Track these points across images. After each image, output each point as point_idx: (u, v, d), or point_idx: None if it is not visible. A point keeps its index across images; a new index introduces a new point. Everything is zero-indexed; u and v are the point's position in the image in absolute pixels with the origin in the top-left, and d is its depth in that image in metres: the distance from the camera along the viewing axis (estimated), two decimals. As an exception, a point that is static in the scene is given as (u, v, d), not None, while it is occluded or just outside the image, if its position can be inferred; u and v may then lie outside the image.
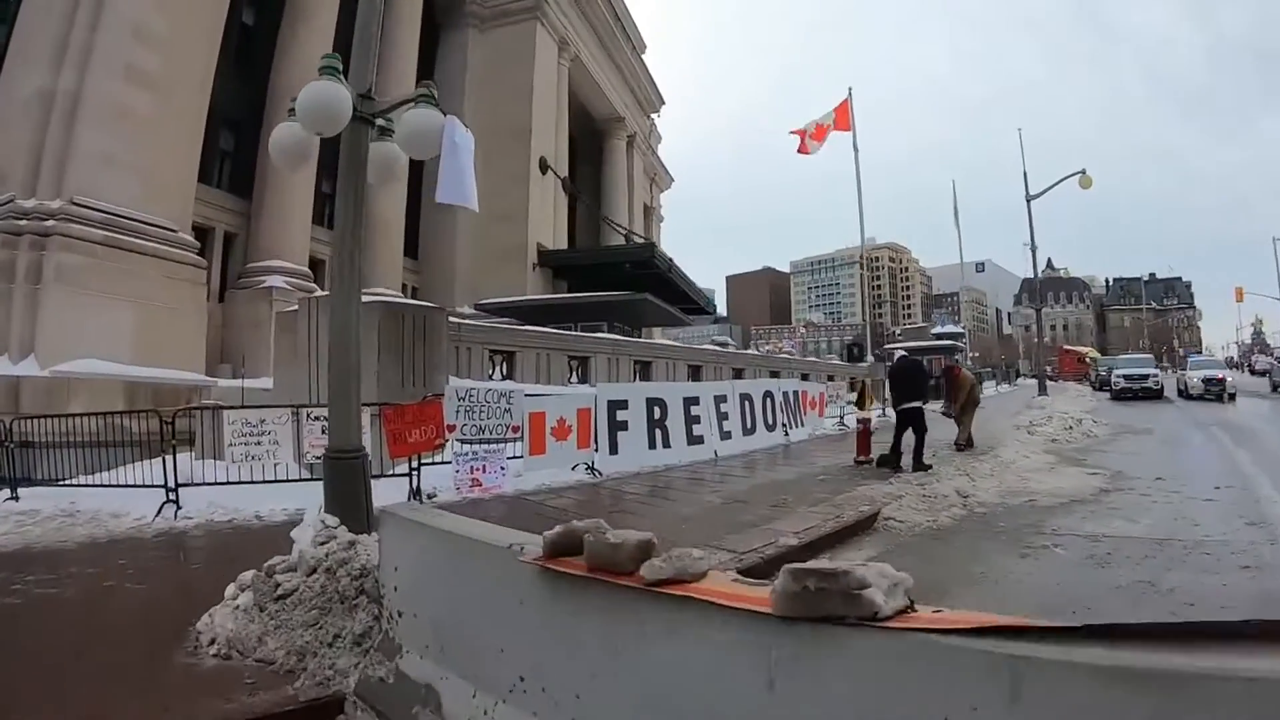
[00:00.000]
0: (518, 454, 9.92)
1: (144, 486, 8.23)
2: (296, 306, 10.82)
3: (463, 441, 9.25)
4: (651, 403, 12.31)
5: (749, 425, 15.09)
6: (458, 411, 9.19)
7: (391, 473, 8.51)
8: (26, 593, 5.35)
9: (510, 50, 30.24)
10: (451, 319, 11.74)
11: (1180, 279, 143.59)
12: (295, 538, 5.26)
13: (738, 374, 20.31)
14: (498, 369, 12.92)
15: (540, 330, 14.39)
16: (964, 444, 13.46)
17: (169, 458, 8.07)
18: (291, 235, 21.28)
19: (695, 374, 18.94)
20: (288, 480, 8.24)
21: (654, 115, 49.87)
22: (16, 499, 8.79)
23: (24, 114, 14.87)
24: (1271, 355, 58.13)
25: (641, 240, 33.31)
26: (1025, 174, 33.02)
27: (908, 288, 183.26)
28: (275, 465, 8.13)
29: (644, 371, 17.12)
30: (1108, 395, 31.72)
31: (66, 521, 7.77)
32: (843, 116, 28.40)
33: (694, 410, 13.29)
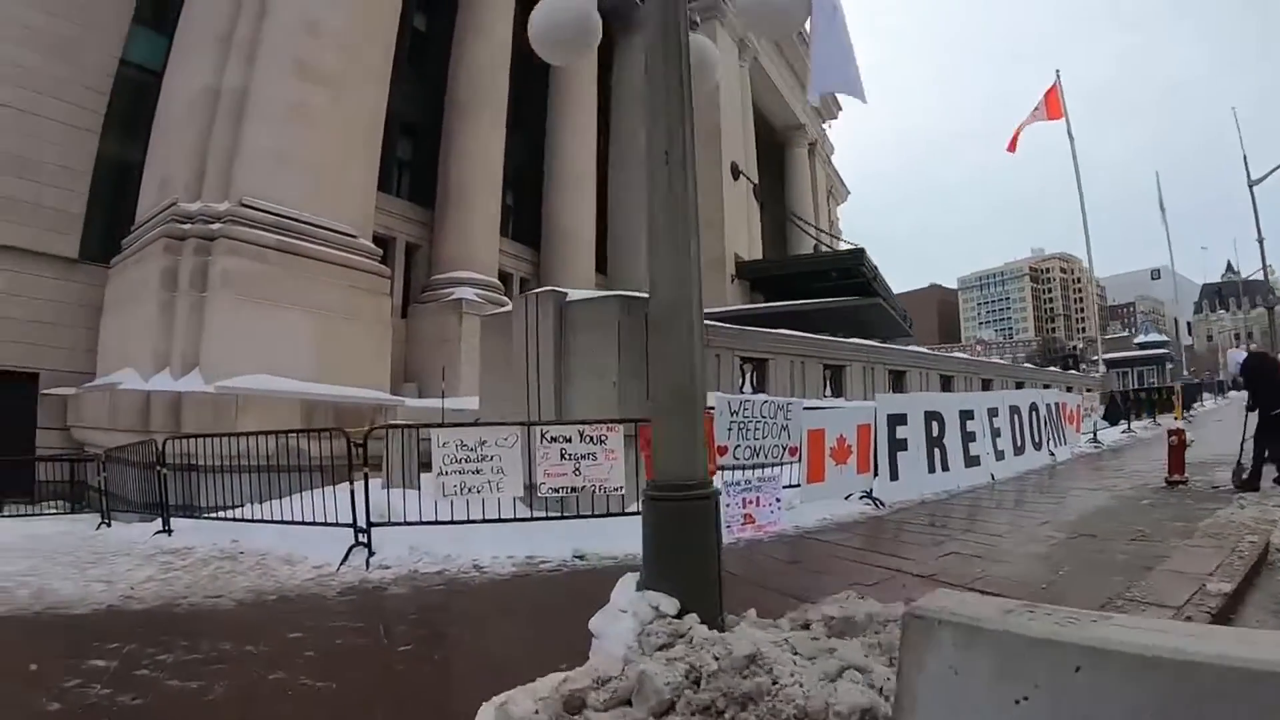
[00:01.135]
0: (791, 481, 7.53)
1: (325, 524, 6.36)
2: (509, 307, 8.89)
3: (734, 467, 6.91)
4: (929, 418, 9.89)
5: (1019, 443, 12.26)
6: (730, 429, 6.87)
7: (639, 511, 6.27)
8: (148, 685, 3.46)
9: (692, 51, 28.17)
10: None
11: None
12: (598, 631, 3.28)
13: (986, 385, 17.23)
14: (748, 379, 10.58)
15: (796, 334, 11.97)
16: None
17: (357, 486, 6.13)
18: (478, 245, 19.74)
19: (947, 384, 16.03)
20: (509, 519, 6.15)
21: (829, 122, 46.77)
22: (169, 532, 7.17)
23: (187, 116, 13.74)
24: None
25: (850, 246, 29.98)
26: (1245, 157, 27.70)
27: (1080, 299, 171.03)
28: (499, 499, 6.04)
29: (897, 382, 14.40)
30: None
31: (225, 566, 6.08)
32: (1054, 104, 24.68)
33: (970, 426, 10.71)
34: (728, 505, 6.59)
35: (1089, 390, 22.49)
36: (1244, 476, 8.90)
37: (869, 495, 8.56)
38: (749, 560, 6.00)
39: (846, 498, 8.46)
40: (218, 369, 12.15)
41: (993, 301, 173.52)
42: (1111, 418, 17.88)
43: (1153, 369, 48.04)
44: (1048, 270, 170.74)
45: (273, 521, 6.91)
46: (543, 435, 6.05)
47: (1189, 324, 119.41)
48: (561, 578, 5.52)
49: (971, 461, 10.58)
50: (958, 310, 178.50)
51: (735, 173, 28.41)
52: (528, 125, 23.60)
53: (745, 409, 7.12)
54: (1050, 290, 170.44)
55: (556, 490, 5.96)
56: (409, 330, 18.51)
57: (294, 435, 7.58)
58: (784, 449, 7.46)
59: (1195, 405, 26.77)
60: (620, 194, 26.19)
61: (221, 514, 7.50)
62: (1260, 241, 27.09)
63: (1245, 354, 10.37)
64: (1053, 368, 31.14)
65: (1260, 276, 41.84)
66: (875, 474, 8.78)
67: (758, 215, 31.75)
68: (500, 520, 6.12)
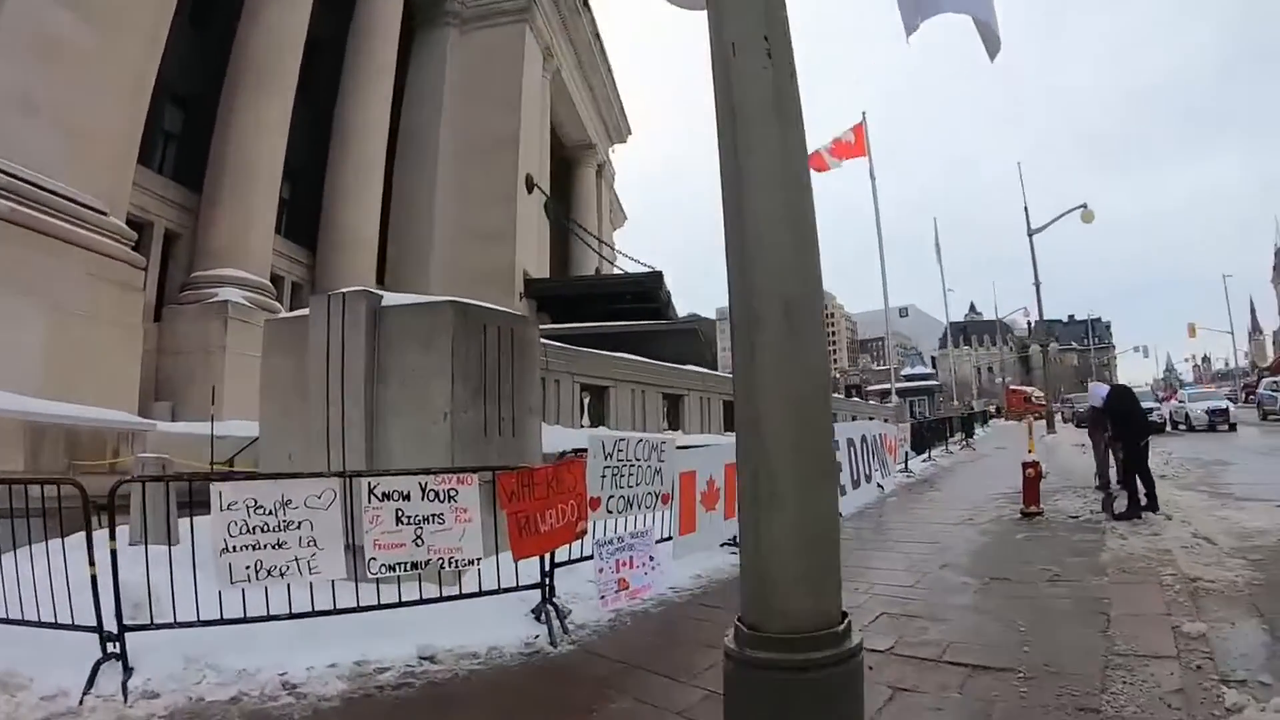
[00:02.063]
0: (663, 534, 6.48)
1: (56, 626, 4.19)
2: (304, 312, 6.91)
3: (607, 517, 5.74)
4: None
5: (855, 476, 12.06)
6: (603, 477, 5.65)
7: (501, 588, 4.87)
8: None
9: (496, 54, 26.50)
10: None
11: (1100, 319, 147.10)
12: None
13: None
14: (586, 410, 9.30)
15: (636, 359, 10.80)
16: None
17: (103, 560, 4.21)
18: (253, 240, 16.80)
19: None
20: (328, 612, 4.53)
21: (616, 146, 46.39)
22: None
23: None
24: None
25: (648, 269, 29.22)
26: (1026, 208, 30.89)
27: (833, 333, 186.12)
28: (312, 578, 4.40)
29: (730, 414, 13.79)
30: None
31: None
32: (858, 142, 25.88)
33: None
34: (601, 570, 5.42)
35: (886, 420, 23.54)
36: (1117, 507, 9.02)
37: (733, 542, 7.70)
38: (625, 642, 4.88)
39: (721, 545, 7.57)
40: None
41: None
42: (917, 447, 18.56)
43: (923, 399, 52.32)
44: None
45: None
46: (370, 491, 4.51)
47: (933, 358, 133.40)
48: (414, 695, 4.00)
49: (868, 479, 10.18)
50: (714, 342, 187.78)
51: (530, 185, 27.09)
52: (315, 112, 21.17)
53: (620, 451, 5.93)
54: None
55: (391, 568, 4.44)
56: (162, 336, 15.43)
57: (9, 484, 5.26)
58: (657, 496, 6.35)
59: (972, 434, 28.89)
60: (409, 197, 24.33)
61: None
62: (1036, 285, 30.01)
63: (1108, 388, 10.70)
64: (837, 395, 32.68)
65: (1014, 316, 46.96)
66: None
67: (548, 232, 30.68)
68: (316, 614, 4.49)
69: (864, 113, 25.92)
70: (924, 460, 18.91)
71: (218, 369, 14.31)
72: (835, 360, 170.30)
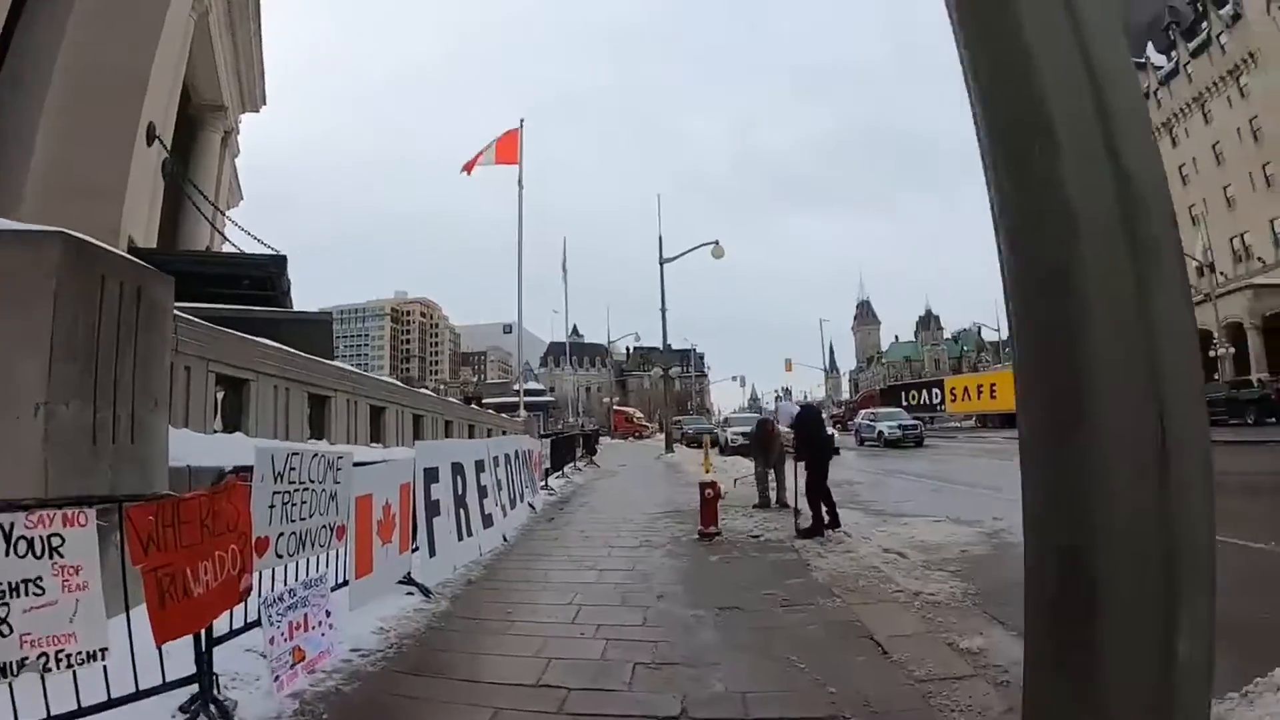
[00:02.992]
0: (338, 578, 5.10)
1: None
2: None
3: (276, 563, 4.23)
4: (455, 471, 8.28)
5: (512, 495, 11.44)
6: (272, 509, 4.15)
7: (140, 690, 3.20)
8: None
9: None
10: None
11: (694, 349, 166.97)
12: None
13: (447, 427, 15.95)
14: (219, 411, 7.17)
15: (287, 351, 8.66)
16: (780, 502, 12.06)
17: None
18: None
19: (418, 426, 14.15)
20: None
21: (247, 115, 40.58)
22: None
23: None
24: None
25: (272, 252, 25.11)
26: (660, 238, 33.60)
27: (436, 344, 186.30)
28: None
29: (376, 420, 11.97)
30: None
31: None
32: (510, 149, 25.64)
33: (483, 480, 9.38)
34: (273, 640, 3.97)
35: (517, 434, 23.38)
36: (804, 526, 9.26)
37: (411, 580, 6.48)
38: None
39: (399, 583, 6.30)
40: None
41: (352, 336, 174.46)
42: (554, 464, 18.52)
43: (539, 415, 53.73)
44: (408, 313, 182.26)
45: None
46: None
47: (536, 374, 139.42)
48: None
49: (487, 521, 9.27)
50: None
51: (151, 137, 22.44)
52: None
53: (293, 470, 4.47)
54: (409, 332, 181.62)
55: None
56: None
57: None
58: (331, 530, 4.98)
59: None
60: (6, 135, 18.58)
61: None
62: (663, 311, 32.25)
63: (798, 407, 11.14)
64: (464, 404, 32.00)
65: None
66: (416, 549, 6.78)
67: (161, 197, 25.69)
68: None
69: (521, 120, 25.72)
70: (558, 478, 18.97)
71: None
72: (435, 372, 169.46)
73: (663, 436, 55.11)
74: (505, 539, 9.59)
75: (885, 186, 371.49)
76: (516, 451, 12.48)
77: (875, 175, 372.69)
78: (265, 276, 21.64)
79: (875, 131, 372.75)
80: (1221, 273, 43.24)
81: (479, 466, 9.23)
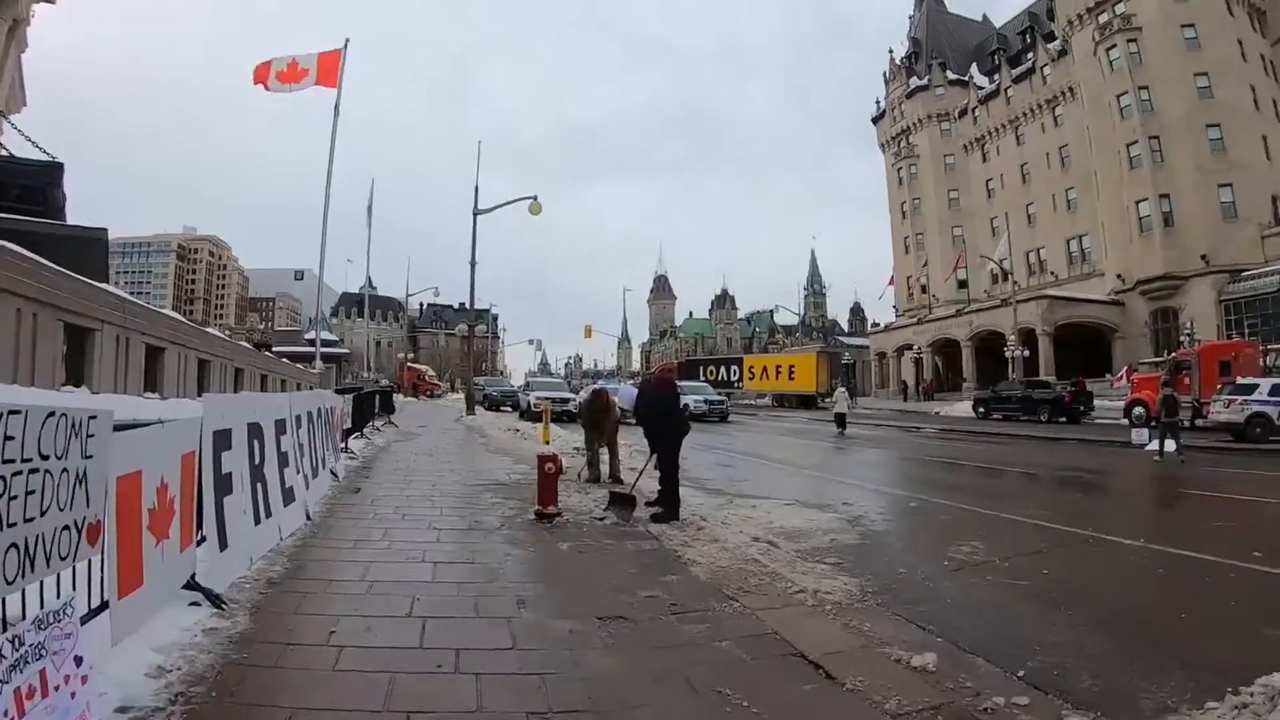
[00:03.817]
0: (93, 603, 3.53)
1: None
2: None
3: None
4: (252, 434, 6.60)
5: (314, 463, 9.80)
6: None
7: None
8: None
9: None
10: None
11: (491, 309, 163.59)
12: None
13: (239, 376, 13.49)
14: None
15: (26, 255, 6.27)
16: (613, 476, 11.61)
17: None
18: None
19: (203, 373, 11.69)
20: None
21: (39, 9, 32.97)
22: None
23: None
24: None
25: (48, 159, 19.94)
26: (476, 188, 31.54)
27: (224, 286, 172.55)
28: None
29: (152, 363, 9.54)
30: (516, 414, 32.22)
31: None
32: (330, 70, 22.61)
33: (284, 444, 7.74)
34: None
35: (312, 387, 20.94)
36: (654, 510, 8.39)
37: (196, 585, 4.86)
38: None
39: (184, 588, 4.68)
40: None
41: (134, 271, 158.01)
42: (356, 422, 16.56)
43: (333, 368, 49.77)
44: (196, 250, 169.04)
45: None
46: None
47: (329, 324, 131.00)
48: None
49: (288, 496, 7.61)
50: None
51: None
52: None
53: (9, 440, 2.84)
54: (195, 271, 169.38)
55: None
56: None
57: None
58: (79, 531, 3.38)
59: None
60: None
61: None
62: (472, 264, 30.08)
63: (634, 389, 10.12)
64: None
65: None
66: (202, 539, 5.15)
67: None
68: None
69: (347, 40, 22.71)
70: (359, 438, 17.03)
71: None
72: (221, 316, 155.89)
73: (456, 397, 52.90)
74: (309, 517, 8.01)
75: (694, 166, 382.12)
76: (319, 409, 10.71)
77: (686, 154, 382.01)
78: (38, 186, 17.66)
79: (690, 112, 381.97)
80: (1015, 282, 47.79)
81: (279, 427, 7.56)
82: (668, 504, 8.47)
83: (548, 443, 9.12)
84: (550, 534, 7.68)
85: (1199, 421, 23.30)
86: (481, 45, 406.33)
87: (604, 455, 12.07)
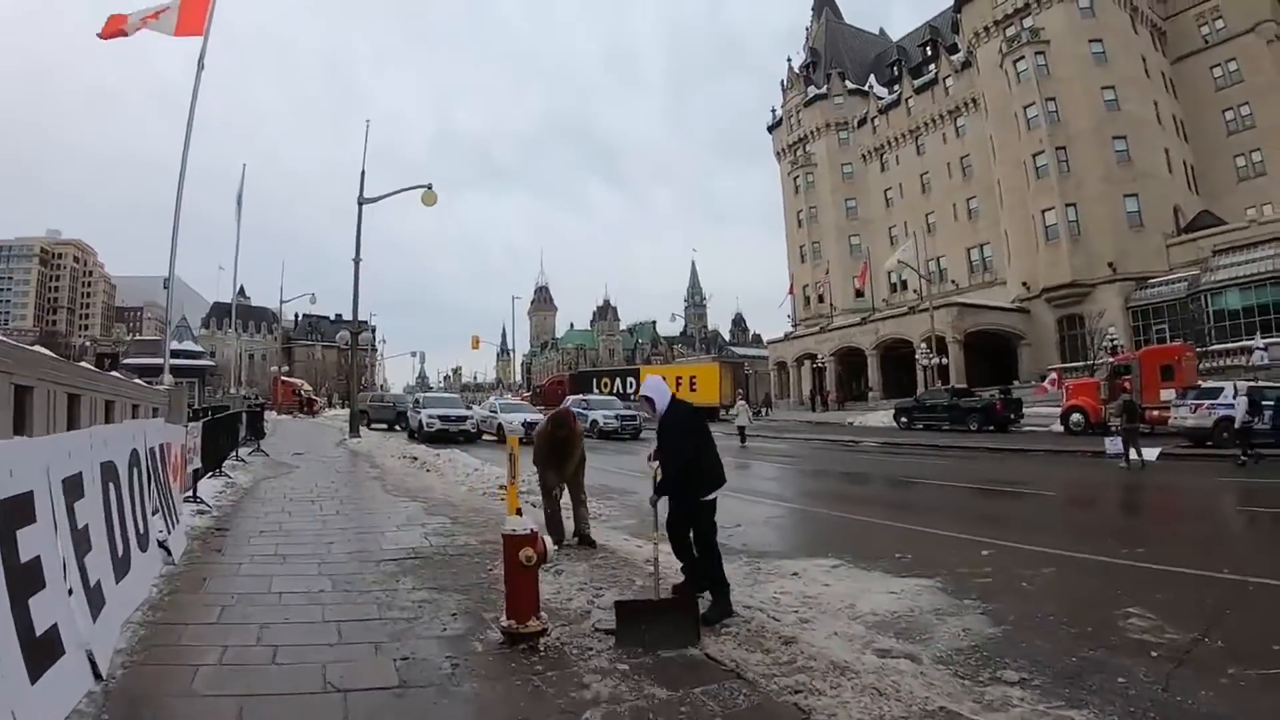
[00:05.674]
0: None
1: None
2: None
3: None
4: None
5: (123, 549, 5.90)
6: None
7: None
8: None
9: None
10: None
11: (368, 321, 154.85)
12: None
13: (20, 397, 9.14)
14: None
15: None
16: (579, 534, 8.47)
17: None
18: None
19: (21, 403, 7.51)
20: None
21: None
22: None
23: None
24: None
25: None
26: (363, 173, 27.50)
27: (89, 295, 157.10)
28: None
29: None
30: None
31: None
32: (195, 15, 17.94)
33: (34, 544, 3.81)
34: None
35: (156, 410, 16.40)
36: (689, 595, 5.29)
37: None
38: None
39: None
40: None
41: None
42: (209, 460, 12.38)
43: (193, 382, 43.71)
44: (60, 256, 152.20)
45: None
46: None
47: (196, 336, 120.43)
48: None
49: (43, 653, 3.76)
50: None
51: None
52: None
53: None
54: (59, 279, 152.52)
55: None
56: None
57: None
58: None
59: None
60: None
61: None
62: (356, 261, 25.76)
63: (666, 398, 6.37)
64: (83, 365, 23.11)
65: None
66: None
67: None
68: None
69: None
70: (215, 477, 12.84)
71: None
72: (85, 327, 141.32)
73: (335, 413, 47.28)
74: (98, 677, 4.20)
75: (576, 180, 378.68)
76: (135, 453, 6.79)
77: (567, 168, 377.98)
78: None
79: (572, 127, 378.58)
80: (917, 290, 46.92)
81: (35, 507, 3.80)
82: (711, 586, 5.29)
83: (519, 512, 5.40)
84: (547, 684, 4.21)
85: (1140, 426, 22.41)
86: (369, 55, 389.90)
87: (566, 502, 8.71)
